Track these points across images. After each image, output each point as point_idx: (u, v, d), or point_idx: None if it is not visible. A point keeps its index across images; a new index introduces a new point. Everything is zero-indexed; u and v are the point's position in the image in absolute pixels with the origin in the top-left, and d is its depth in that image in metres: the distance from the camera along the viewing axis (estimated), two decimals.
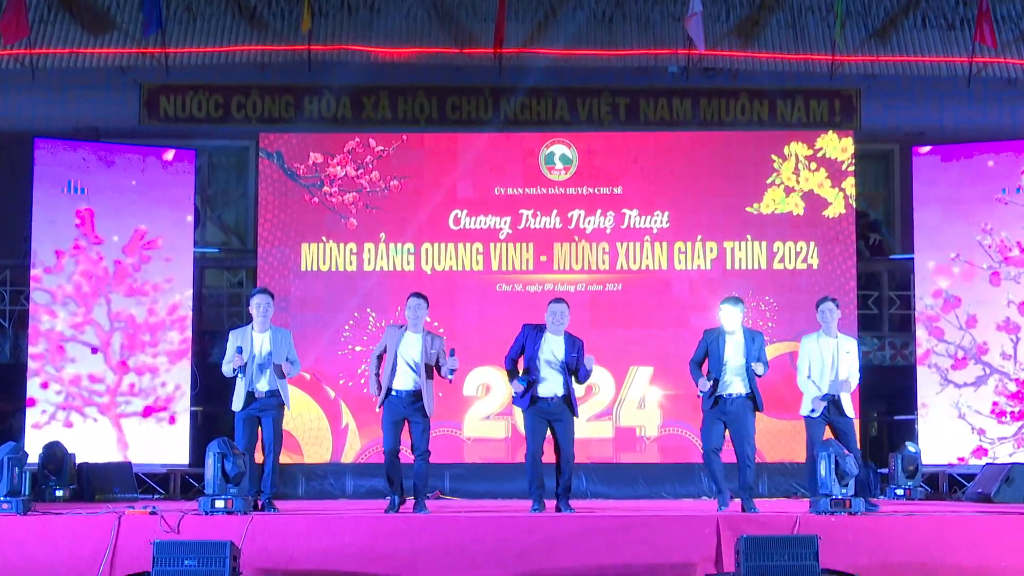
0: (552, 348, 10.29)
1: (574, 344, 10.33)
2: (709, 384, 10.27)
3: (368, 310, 13.93)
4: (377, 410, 10.43)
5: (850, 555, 8.50)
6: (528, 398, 10.25)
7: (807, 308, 13.70)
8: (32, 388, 13.67)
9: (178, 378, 13.81)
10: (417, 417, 10.24)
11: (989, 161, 14.06)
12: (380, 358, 10.37)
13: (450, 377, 10.39)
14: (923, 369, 14.06)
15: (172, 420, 13.81)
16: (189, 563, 7.79)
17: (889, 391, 15.10)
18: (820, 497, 9.22)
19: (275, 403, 10.40)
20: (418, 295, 10.46)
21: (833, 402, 10.42)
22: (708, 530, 8.68)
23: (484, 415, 13.79)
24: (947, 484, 13.95)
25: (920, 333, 14.13)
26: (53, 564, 8.52)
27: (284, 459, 13.63)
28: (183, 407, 13.91)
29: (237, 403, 10.40)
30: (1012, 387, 13.79)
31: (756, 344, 10.35)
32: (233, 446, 9.42)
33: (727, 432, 10.36)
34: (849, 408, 10.50)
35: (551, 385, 10.25)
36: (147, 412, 13.83)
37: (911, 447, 12.91)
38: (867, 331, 14.82)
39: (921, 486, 12.94)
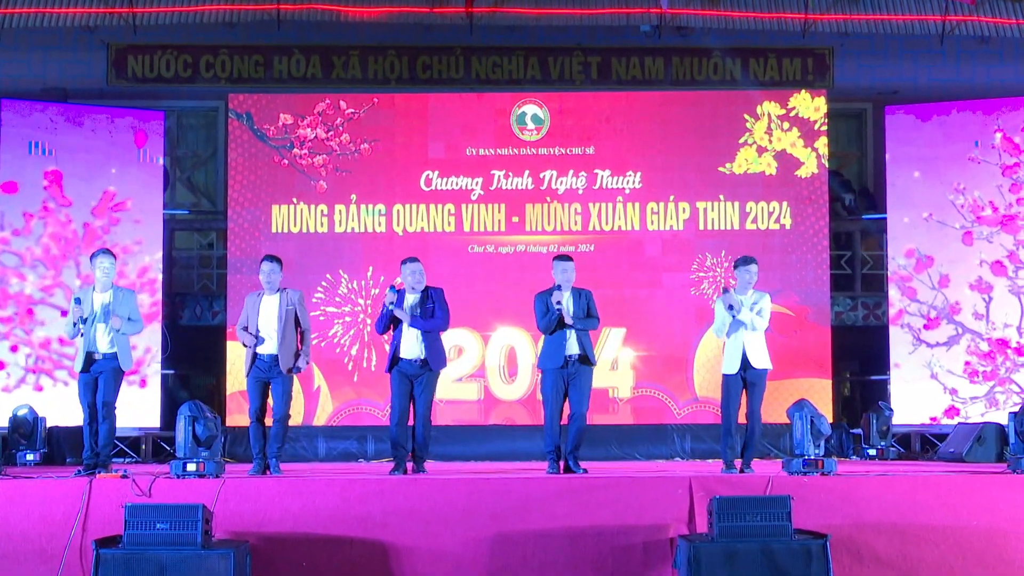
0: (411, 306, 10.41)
1: (428, 296, 10.43)
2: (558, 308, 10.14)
3: (340, 271, 13.88)
4: (245, 375, 10.47)
5: (823, 515, 8.51)
6: (392, 356, 10.34)
7: (780, 269, 13.78)
8: (1, 351, 13.59)
9: (148, 341, 13.68)
10: (278, 379, 10.28)
11: (962, 120, 14.07)
12: (245, 328, 10.37)
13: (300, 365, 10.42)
14: (896, 329, 14.10)
15: (143, 383, 13.72)
16: (161, 526, 7.75)
17: (862, 351, 15.14)
18: (793, 457, 9.26)
19: (112, 366, 10.20)
20: (270, 258, 10.49)
21: (743, 356, 10.28)
22: (681, 491, 8.70)
23: (456, 377, 13.69)
24: (919, 444, 14.03)
25: (893, 293, 14.16)
26: (24, 528, 8.49)
27: None
28: (154, 370, 13.83)
29: (78, 364, 10.28)
30: (984, 347, 13.84)
31: (583, 301, 10.34)
32: (204, 409, 9.38)
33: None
34: (759, 360, 10.34)
35: (411, 347, 10.31)
36: None
37: (886, 407, 12.94)
38: (840, 291, 14.85)
39: (893, 446, 13.00)
